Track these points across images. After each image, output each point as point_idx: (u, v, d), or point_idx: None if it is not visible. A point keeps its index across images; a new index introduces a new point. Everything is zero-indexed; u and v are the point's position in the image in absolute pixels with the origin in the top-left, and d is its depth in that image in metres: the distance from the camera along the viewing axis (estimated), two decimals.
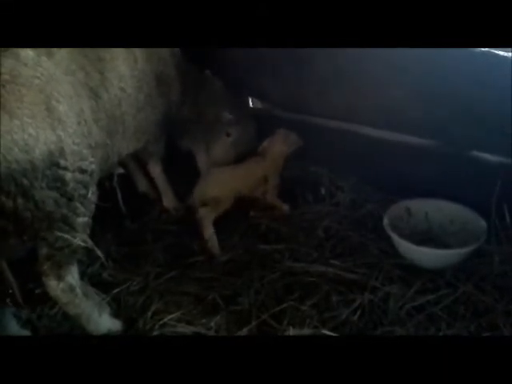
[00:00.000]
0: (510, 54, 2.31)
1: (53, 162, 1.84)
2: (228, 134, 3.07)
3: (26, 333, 2.30)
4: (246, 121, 3.15)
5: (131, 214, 3.03)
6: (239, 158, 3.08)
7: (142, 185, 3.23)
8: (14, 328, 2.28)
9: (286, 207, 2.99)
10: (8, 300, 2.37)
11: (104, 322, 2.28)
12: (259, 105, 3.50)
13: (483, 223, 2.52)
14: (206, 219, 2.76)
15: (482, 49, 2.39)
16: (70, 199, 1.96)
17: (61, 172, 1.88)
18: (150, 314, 2.39)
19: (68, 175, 1.91)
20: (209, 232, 2.75)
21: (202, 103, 3.03)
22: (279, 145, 2.93)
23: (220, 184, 2.88)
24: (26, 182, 1.76)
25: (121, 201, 2.98)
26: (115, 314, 2.37)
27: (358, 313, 2.30)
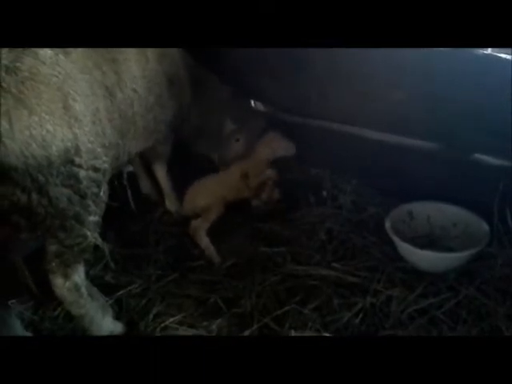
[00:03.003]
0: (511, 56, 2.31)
1: (68, 159, 1.86)
2: (238, 140, 3.11)
3: (29, 334, 2.31)
4: (252, 120, 3.17)
5: (134, 215, 3.04)
6: None
7: (145, 186, 3.24)
8: (19, 329, 2.29)
9: (276, 194, 2.98)
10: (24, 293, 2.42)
11: (106, 325, 2.28)
12: (261, 107, 3.50)
13: (485, 226, 2.51)
14: (200, 230, 2.76)
15: (485, 51, 2.39)
16: (83, 197, 1.97)
17: (75, 169, 1.90)
18: (151, 316, 2.40)
19: (82, 173, 1.93)
20: (204, 243, 2.74)
21: (208, 110, 3.06)
22: (263, 148, 2.93)
23: (207, 193, 2.88)
24: (41, 177, 1.77)
25: (131, 199, 2.99)
26: (117, 317, 2.38)
27: (360, 316, 2.30)
